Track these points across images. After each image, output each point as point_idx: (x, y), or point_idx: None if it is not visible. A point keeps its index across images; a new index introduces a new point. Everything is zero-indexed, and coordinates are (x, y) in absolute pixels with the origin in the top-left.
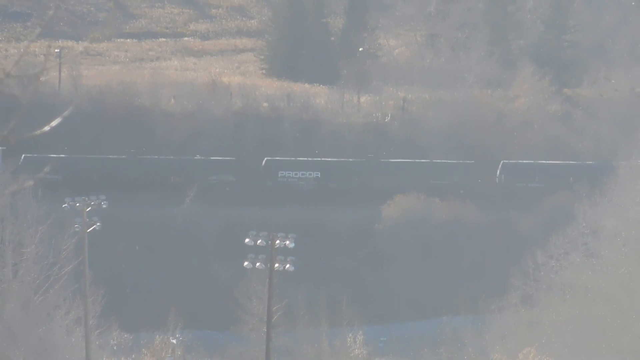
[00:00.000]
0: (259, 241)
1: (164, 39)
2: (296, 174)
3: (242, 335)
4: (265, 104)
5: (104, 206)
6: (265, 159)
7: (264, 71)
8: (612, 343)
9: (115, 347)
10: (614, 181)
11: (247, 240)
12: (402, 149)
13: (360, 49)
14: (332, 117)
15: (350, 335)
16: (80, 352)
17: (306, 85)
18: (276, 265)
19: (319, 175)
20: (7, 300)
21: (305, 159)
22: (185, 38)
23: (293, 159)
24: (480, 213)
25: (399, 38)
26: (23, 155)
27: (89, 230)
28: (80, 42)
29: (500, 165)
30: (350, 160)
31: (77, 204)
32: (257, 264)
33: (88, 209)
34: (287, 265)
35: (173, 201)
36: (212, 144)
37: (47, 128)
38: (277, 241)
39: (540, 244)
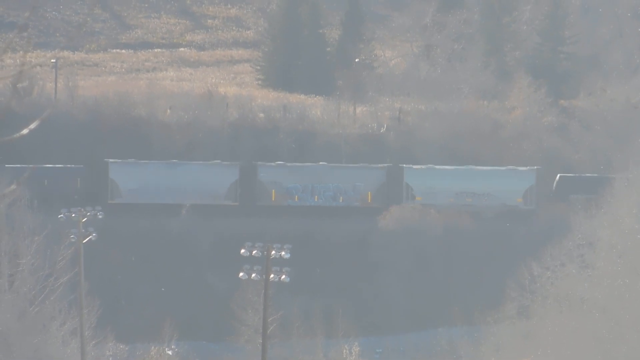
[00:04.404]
0: (254, 252)
1: (160, 50)
2: None
3: (237, 347)
4: (261, 115)
5: (100, 217)
6: None
7: (260, 82)
8: (608, 354)
9: (110, 358)
10: (610, 193)
11: (242, 250)
12: (398, 160)
13: (357, 60)
14: (328, 127)
15: (345, 346)
16: None
17: (302, 96)
18: (272, 276)
19: None
20: (3, 311)
21: None
22: (182, 49)
23: None
24: (476, 224)
25: (395, 49)
26: (559, 176)
27: (84, 241)
28: (76, 52)
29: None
30: None
31: (73, 215)
32: (253, 275)
33: (84, 220)
34: (283, 277)
35: None
36: (208, 154)
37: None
38: (273, 252)
39: (536, 256)
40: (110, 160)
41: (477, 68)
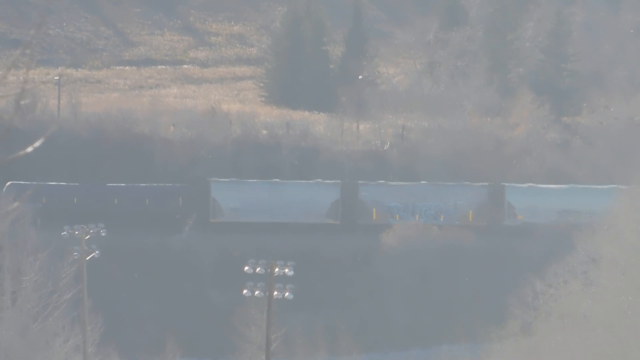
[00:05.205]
0: (257, 269)
1: (163, 67)
2: None
3: None
4: (264, 132)
5: (103, 234)
6: None
7: (263, 99)
8: None
9: None
10: (612, 209)
11: (246, 268)
12: (401, 177)
13: (360, 77)
14: (331, 144)
15: None
16: None
17: (305, 112)
18: (275, 293)
19: None
20: (6, 328)
21: None
22: (185, 66)
23: None
24: (479, 241)
25: (398, 66)
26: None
27: (87, 258)
28: (79, 69)
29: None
30: None
31: (76, 232)
32: (256, 292)
33: (87, 237)
34: (287, 294)
35: None
36: (211, 171)
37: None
38: (276, 269)
39: (539, 273)
40: (212, 179)
41: (480, 85)
